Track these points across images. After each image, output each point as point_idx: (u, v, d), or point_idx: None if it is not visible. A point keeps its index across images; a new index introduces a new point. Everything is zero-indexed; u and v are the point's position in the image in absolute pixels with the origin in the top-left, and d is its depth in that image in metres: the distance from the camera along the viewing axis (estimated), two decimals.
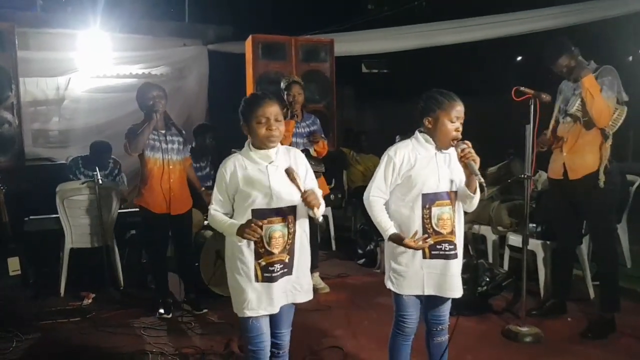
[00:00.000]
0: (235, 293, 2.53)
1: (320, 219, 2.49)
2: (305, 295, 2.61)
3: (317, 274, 4.98)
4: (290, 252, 2.50)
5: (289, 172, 2.41)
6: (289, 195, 2.46)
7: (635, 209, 5.22)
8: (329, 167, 5.21)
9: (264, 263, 2.45)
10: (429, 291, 2.66)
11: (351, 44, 7.41)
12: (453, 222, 2.63)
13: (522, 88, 3.55)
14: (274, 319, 2.57)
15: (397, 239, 2.58)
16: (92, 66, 7.01)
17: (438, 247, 2.62)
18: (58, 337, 3.91)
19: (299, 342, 3.67)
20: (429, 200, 2.60)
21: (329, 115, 5.83)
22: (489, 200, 5.15)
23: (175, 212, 4.23)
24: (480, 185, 2.52)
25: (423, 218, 2.60)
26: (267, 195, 2.43)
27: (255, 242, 2.43)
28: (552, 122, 3.92)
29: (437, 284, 2.66)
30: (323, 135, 4.96)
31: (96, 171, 4.71)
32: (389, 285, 2.72)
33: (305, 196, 2.38)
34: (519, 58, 13.78)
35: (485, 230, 5.15)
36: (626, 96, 3.69)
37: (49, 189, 4.85)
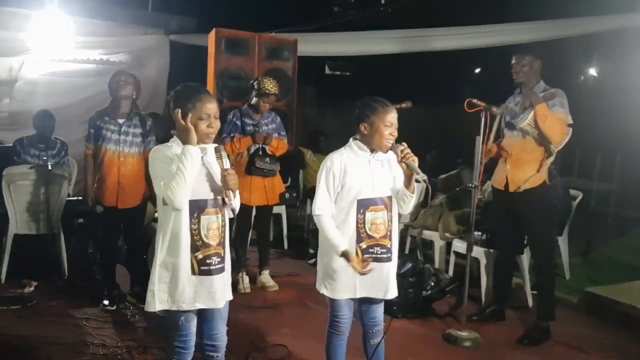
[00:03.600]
0: (168, 288, 2.43)
1: (234, 206, 2.47)
2: (230, 291, 2.61)
3: (267, 272, 5.00)
4: (224, 246, 2.50)
5: (218, 150, 2.45)
6: (220, 188, 2.48)
7: (576, 224, 5.44)
8: (285, 166, 5.23)
9: (201, 256, 2.41)
10: (361, 293, 2.76)
11: (315, 44, 7.44)
12: (387, 226, 2.73)
13: (474, 100, 3.68)
14: (210, 320, 2.53)
15: (347, 256, 2.65)
16: (48, 49, 6.79)
17: (370, 250, 2.71)
18: None
19: (244, 339, 3.70)
20: (363, 205, 2.69)
21: (289, 114, 5.84)
22: (439, 207, 5.28)
23: (123, 206, 4.16)
24: (425, 181, 2.63)
25: (357, 223, 2.70)
26: (205, 186, 2.44)
27: (192, 235, 2.40)
28: (493, 133, 4.05)
29: (369, 286, 2.75)
30: (283, 133, 4.97)
31: (46, 155, 4.58)
32: (322, 290, 2.80)
33: (225, 173, 2.40)
34: (477, 70, 14.13)
35: (434, 236, 5.28)
36: (571, 119, 3.86)
37: None
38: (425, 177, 2.60)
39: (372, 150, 2.72)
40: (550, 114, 3.72)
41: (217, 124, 2.46)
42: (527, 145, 3.90)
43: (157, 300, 2.46)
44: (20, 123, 6.53)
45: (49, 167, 4.55)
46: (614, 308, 4.43)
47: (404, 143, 2.64)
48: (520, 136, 3.92)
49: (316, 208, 2.71)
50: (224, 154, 2.46)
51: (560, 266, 5.20)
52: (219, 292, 2.48)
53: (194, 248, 2.41)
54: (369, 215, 2.69)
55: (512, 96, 4.10)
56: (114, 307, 4.19)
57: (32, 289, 4.49)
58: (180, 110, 2.39)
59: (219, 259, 2.46)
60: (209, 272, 2.44)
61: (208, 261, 2.43)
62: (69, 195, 4.89)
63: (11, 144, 5.17)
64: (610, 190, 8.55)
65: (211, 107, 2.43)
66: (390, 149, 2.68)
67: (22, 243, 4.73)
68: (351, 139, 2.78)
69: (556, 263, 4.60)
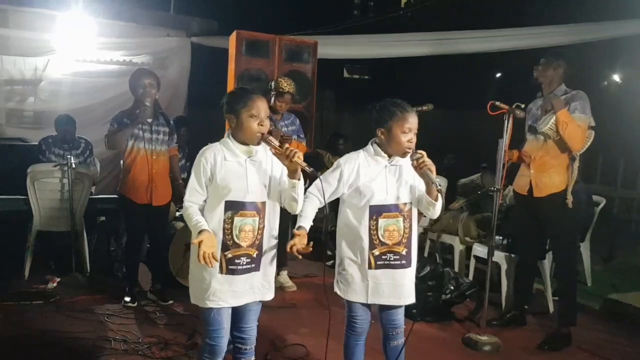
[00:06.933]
0: (197, 284, 2.53)
1: (309, 169, 2.46)
2: (271, 292, 2.65)
3: (285, 272, 5.02)
4: (259, 248, 2.53)
5: (265, 138, 2.47)
6: (262, 191, 2.51)
7: (599, 230, 5.37)
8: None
9: (230, 255, 2.47)
10: (373, 300, 2.74)
11: (335, 47, 7.46)
12: (401, 233, 2.69)
13: (497, 103, 3.65)
14: (240, 314, 2.58)
15: (297, 233, 2.54)
16: (72, 49, 6.90)
17: (383, 257, 2.69)
18: (20, 319, 3.87)
19: (263, 338, 3.70)
20: (376, 212, 2.66)
21: (308, 116, 5.86)
22: (459, 211, 5.25)
23: (156, 203, 4.21)
24: (439, 191, 2.58)
25: (370, 229, 2.67)
26: (243, 189, 2.46)
27: (224, 234, 2.46)
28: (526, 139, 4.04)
29: (382, 292, 2.73)
30: (302, 136, 4.99)
31: (70, 154, 4.64)
32: (336, 289, 2.81)
33: (283, 149, 2.42)
34: (499, 75, 14.03)
35: (453, 240, 5.25)
36: (593, 121, 3.81)
37: (19, 169, 4.79)
38: (440, 187, 2.56)
39: (390, 156, 2.68)
40: (572, 121, 3.68)
41: (267, 124, 2.50)
42: (549, 149, 3.87)
43: (192, 294, 2.57)
44: (44, 122, 6.66)
45: (73, 166, 4.62)
46: (637, 315, 4.38)
47: (421, 151, 2.57)
48: (542, 140, 3.89)
49: (309, 189, 2.69)
50: (271, 139, 2.50)
51: (581, 273, 5.13)
52: (243, 291, 2.52)
53: (225, 247, 2.46)
54: (381, 222, 2.66)
55: (534, 100, 4.06)
56: (135, 304, 4.24)
57: (55, 284, 4.56)
58: (232, 116, 2.48)
59: (248, 260, 2.50)
60: (234, 272, 2.48)
61: (237, 261, 2.48)
62: (92, 194, 4.94)
63: (36, 143, 5.27)
64: (634, 197, 8.44)
65: (262, 106, 2.48)
66: (408, 155, 2.63)
67: (46, 240, 4.81)
68: (370, 142, 2.74)
69: (577, 269, 4.54)
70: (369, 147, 2.73)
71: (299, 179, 2.48)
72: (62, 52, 6.88)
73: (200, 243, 2.34)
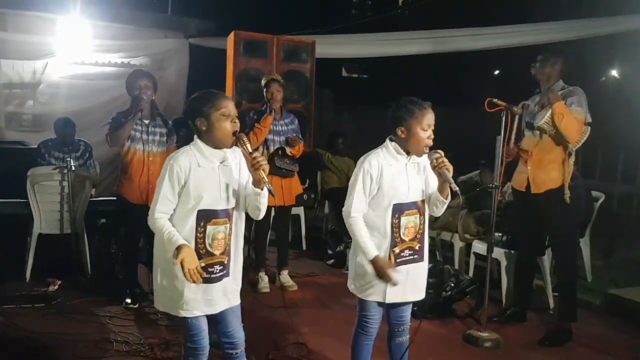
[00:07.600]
0: (167, 293, 2.45)
1: (269, 187, 2.40)
2: (238, 296, 2.59)
3: (286, 272, 5.03)
4: (229, 254, 2.48)
5: (239, 138, 2.41)
6: (232, 197, 2.46)
7: (598, 226, 5.38)
8: (303, 167, 5.25)
9: (203, 264, 2.38)
10: (390, 299, 2.72)
11: (333, 46, 7.47)
12: (417, 229, 2.71)
13: (495, 100, 3.66)
14: (223, 320, 2.53)
15: (378, 264, 2.60)
16: (70, 52, 6.92)
17: (402, 254, 2.69)
18: (21, 322, 3.87)
19: (265, 338, 3.73)
20: (398, 210, 2.66)
21: (306, 115, 5.86)
22: (458, 208, 5.26)
23: None
24: (454, 192, 2.59)
25: (392, 227, 2.66)
26: (216, 197, 2.41)
27: (197, 243, 2.38)
28: (514, 134, 4.03)
29: (400, 291, 2.71)
30: (301, 137, 5.01)
31: (69, 157, 4.65)
32: (351, 288, 2.78)
33: (251, 158, 2.36)
34: (497, 72, 14.05)
35: (453, 237, 5.26)
36: (590, 118, 3.82)
37: (19, 172, 4.79)
38: (457, 189, 2.57)
39: (408, 153, 2.67)
40: (568, 113, 3.69)
41: (237, 123, 2.44)
42: (545, 145, 3.87)
43: (159, 302, 2.52)
44: (44, 125, 6.68)
45: (73, 168, 4.63)
46: (637, 310, 4.38)
47: (440, 151, 2.58)
48: (538, 136, 3.90)
49: (351, 210, 2.65)
50: (245, 140, 2.42)
51: (581, 268, 5.14)
52: (217, 298, 2.47)
53: (197, 256, 2.38)
54: (403, 220, 2.66)
55: (532, 97, 4.08)
56: (136, 305, 4.24)
57: (56, 287, 4.55)
58: (202, 119, 2.39)
59: (220, 267, 2.45)
60: (208, 280, 2.43)
61: (210, 269, 2.42)
62: (92, 196, 4.95)
63: (35, 146, 5.27)
64: (633, 192, 8.44)
65: (230, 104, 2.43)
66: (427, 154, 2.63)
67: (46, 242, 4.81)
68: (388, 140, 2.71)
69: (577, 265, 4.55)
70: (388, 145, 2.69)
71: (262, 189, 2.41)
72: (60, 55, 6.89)
73: (182, 261, 2.27)
